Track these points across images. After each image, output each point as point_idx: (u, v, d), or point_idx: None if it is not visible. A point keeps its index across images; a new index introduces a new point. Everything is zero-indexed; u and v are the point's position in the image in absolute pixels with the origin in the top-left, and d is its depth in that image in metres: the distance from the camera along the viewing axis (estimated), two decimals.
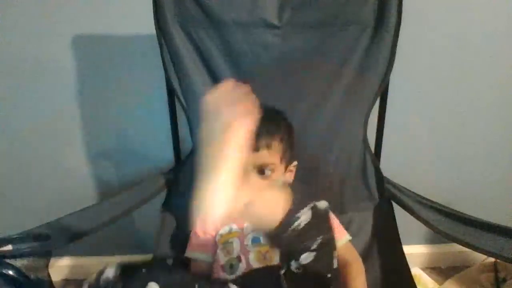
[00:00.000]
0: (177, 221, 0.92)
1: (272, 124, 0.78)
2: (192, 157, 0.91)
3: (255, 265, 0.70)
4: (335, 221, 0.84)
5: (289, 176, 0.85)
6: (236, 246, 0.76)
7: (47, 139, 1.07)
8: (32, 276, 0.57)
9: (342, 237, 0.81)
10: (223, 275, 0.72)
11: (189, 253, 0.81)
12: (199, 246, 0.80)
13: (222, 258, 0.75)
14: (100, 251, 1.23)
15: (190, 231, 0.85)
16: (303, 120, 0.88)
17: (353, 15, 0.81)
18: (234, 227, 0.80)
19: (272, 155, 0.76)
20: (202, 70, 0.85)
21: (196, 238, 0.82)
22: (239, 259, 0.72)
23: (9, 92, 1.01)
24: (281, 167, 0.79)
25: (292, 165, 0.84)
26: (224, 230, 0.80)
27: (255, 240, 0.76)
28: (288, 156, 0.80)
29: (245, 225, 0.80)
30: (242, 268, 0.70)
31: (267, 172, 0.76)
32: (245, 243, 0.76)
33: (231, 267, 0.72)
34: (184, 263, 0.83)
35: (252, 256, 0.72)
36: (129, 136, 1.08)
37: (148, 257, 0.86)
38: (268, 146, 0.75)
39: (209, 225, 0.49)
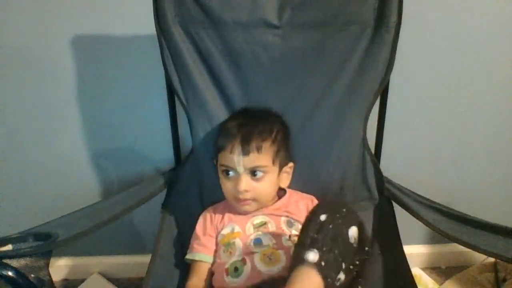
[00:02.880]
0: (177, 221, 0.92)
1: (264, 125, 0.80)
2: (192, 157, 0.91)
3: (261, 267, 0.70)
4: None
5: (286, 178, 0.85)
6: (238, 246, 0.76)
7: (47, 139, 1.07)
8: (32, 276, 0.57)
9: None
10: (226, 278, 0.72)
11: (191, 254, 0.81)
12: (200, 247, 0.80)
13: (225, 260, 0.75)
14: (100, 251, 1.23)
15: (190, 231, 0.85)
16: (302, 119, 0.88)
17: (353, 15, 0.81)
18: (236, 227, 0.80)
19: (263, 158, 0.76)
20: (202, 70, 0.85)
21: (197, 239, 0.82)
22: (244, 261, 0.72)
23: (9, 91, 1.01)
24: (274, 169, 0.79)
25: (287, 166, 0.84)
26: (226, 230, 0.80)
27: (257, 241, 0.76)
28: (282, 157, 0.81)
29: (247, 225, 0.80)
30: (247, 271, 0.70)
31: (259, 173, 0.77)
32: (247, 243, 0.76)
33: (236, 270, 0.71)
34: (185, 265, 0.83)
35: (257, 258, 0.72)
36: (129, 136, 1.08)
37: (148, 257, 0.86)
38: (258, 149, 0.76)
39: None
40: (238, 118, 0.82)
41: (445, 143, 1.11)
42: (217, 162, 0.82)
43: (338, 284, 0.55)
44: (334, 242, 0.57)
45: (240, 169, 0.76)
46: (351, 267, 0.57)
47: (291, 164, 0.85)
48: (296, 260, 0.57)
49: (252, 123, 0.79)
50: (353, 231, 0.59)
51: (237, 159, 0.76)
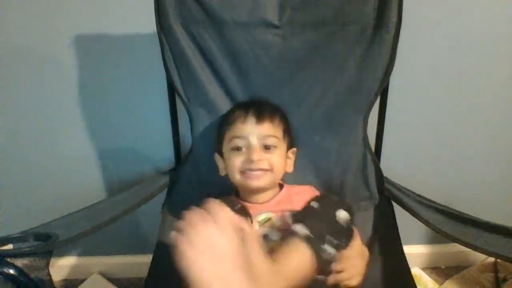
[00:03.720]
0: (177, 221, 0.92)
1: (273, 106, 0.83)
2: (192, 157, 0.91)
3: None
4: None
5: (290, 163, 0.84)
6: None
7: (47, 139, 1.07)
8: (32, 276, 0.57)
9: None
10: None
11: None
12: None
13: None
14: (100, 251, 1.23)
15: None
16: (303, 119, 0.88)
17: (353, 15, 0.81)
18: None
19: (275, 129, 0.78)
20: (203, 69, 0.85)
21: None
22: None
23: (9, 91, 1.01)
24: (283, 145, 0.80)
25: (291, 151, 0.84)
26: None
27: (264, 237, 0.75)
28: (288, 139, 0.82)
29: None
30: None
31: (271, 146, 0.77)
32: None
33: None
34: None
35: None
36: (129, 136, 1.08)
37: (148, 257, 0.86)
38: (272, 120, 0.77)
39: None
40: (241, 105, 0.82)
41: (445, 143, 1.11)
42: (221, 151, 0.81)
43: (329, 257, 0.60)
44: (319, 218, 0.64)
45: (253, 139, 0.75)
46: (337, 241, 0.62)
47: (294, 149, 0.85)
48: (286, 233, 0.61)
49: (259, 105, 0.81)
50: (341, 213, 0.65)
51: (251, 127, 0.76)
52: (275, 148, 0.77)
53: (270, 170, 0.76)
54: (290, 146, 0.83)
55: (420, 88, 1.04)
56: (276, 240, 0.74)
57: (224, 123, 0.82)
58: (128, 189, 0.88)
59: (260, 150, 0.75)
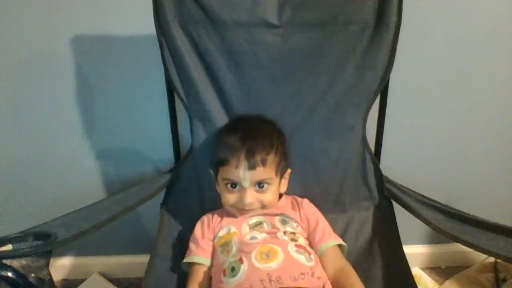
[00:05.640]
0: (176, 220, 0.92)
1: (265, 138, 0.80)
2: (192, 157, 0.91)
3: (259, 264, 0.70)
4: (325, 225, 0.84)
5: (284, 184, 0.86)
6: (235, 245, 0.76)
7: (46, 139, 1.07)
8: (32, 276, 0.57)
9: (329, 240, 0.80)
10: (223, 278, 0.72)
11: (189, 258, 0.80)
12: (198, 250, 0.80)
13: (223, 260, 0.75)
14: (100, 251, 1.23)
15: (190, 231, 0.85)
16: (302, 119, 0.88)
17: (353, 15, 0.81)
18: (232, 228, 0.80)
19: (267, 171, 0.78)
20: (202, 69, 0.85)
21: (195, 242, 0.82)
22: (240, 260, 0.72)
23: (9, 91, 1.01)
24: (276, 180, 0.81)
25: (286, 173, 0.85)
26: (222, 232, 0.81)
27: (253, 239, 0.77)
28: (283, 166, 0.83)
29: (243, 225, 0.80)
30: (244, 269, 0.70)
31: (265, 185, 0.79)
32: (243, 242, 0.76)
33: (233, 270, 0.71)
34: (184, 267, 0.82)
35: (254, 256, 0.72)
36: (129, 136, 1.08)
37: (148, 257, 0.86)
38: (263, 163, 0.77)
39: None
40: (236, 131, 0.80)
41: (445, 143, 1.11)
42: (217, 173, 0.82)
43: None
44: None
45: (246, 183, 0.77)
46: None
47: (289, 171, 0.86)
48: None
49: (253, 136, 0.79)
50: None
51: (243, 173, 0.76)
52: (268, 186, 0.79)
53: (262, 207, 0.81)
54: (285, 169, 0.84)
55: (420, 88, 1.04)
56: (259, 238, 0.77)
57: (218, 152, 0.80)
58: (128, 189, 0.88)
59: (253, 191, 0.78)
